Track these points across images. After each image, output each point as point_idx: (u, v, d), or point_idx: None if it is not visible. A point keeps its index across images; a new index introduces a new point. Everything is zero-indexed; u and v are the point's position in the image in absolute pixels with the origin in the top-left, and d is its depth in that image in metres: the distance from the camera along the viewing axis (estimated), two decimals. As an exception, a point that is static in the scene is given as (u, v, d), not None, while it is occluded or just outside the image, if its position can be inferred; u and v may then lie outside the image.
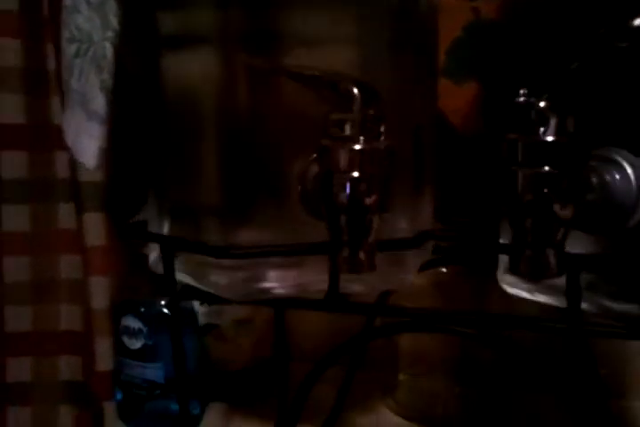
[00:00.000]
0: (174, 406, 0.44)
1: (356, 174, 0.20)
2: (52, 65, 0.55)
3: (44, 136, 0.56)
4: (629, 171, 0.20)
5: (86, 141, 0.37)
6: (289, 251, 0.24)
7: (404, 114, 0.26)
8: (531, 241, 0.20)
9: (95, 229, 0.52)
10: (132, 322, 0.43)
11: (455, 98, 0.38)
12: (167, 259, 0.26)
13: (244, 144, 0.25)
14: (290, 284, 0.26)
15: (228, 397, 0.48)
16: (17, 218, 0.57)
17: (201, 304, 0.46)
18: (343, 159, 0.20)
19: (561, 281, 0.23)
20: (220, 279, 0.26)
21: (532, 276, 0.21)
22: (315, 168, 0.23)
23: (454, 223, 0.35)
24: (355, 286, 0.26)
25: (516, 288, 0.25)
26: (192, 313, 0.45)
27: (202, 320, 0.47)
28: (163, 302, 0.43)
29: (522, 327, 0.24)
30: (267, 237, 0.25)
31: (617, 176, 0.20)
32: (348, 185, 0.20)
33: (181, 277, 0.28)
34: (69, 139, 0.40)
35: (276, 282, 0.26)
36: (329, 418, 0.42)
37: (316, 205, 0.23)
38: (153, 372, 0.43)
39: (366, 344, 0.26)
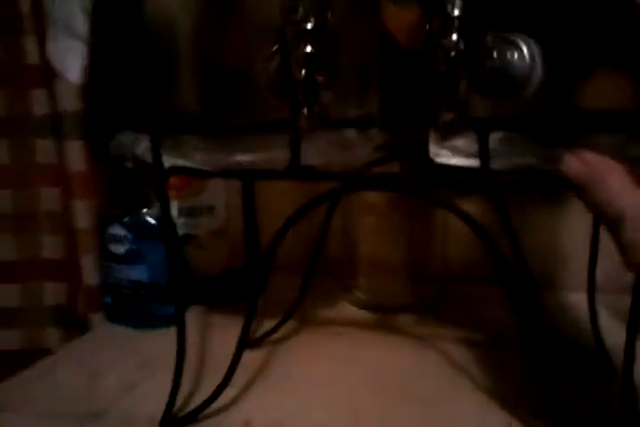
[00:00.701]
0: (152, 308, 0.50)
1: (308, 49, 0.25)
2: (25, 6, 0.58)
3: (19, 75, 0.59)
4: (525, 49, 0.26)
5: (71, 59, 0.41)
6: (258, 127, 0.29)
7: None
8: (444, 105, 0.26)
9: (76, 155, 0.57)
10: (117, 230, 0.48)
11: (400, 19, 0.43)
12: (155, 143, 0.31)
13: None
14: (259, 158, 0.31)
15: (206, 299, 0.54)
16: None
17: (186, 216, 0.52)
18: (297, 37, 0.25)
19: (473, 147, 0.29)
20: (200, 156, 0.32)
21: (447, 133, 0.26)
22: (277, 59, 0.28)
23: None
24: (314, 159, 0.31)
25: (440, 158, 0.31)
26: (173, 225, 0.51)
27: (181, 231, 0.52)
28: (145, 211, 0.49)
29: (446, 185, 0.30)
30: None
31: (515, 53, 0.26)
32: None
33: (166, 160, 0.34)
34: (56, 62, 0.44)
35: (246, 157, 0.31)
36: (289, 309, 0.49)
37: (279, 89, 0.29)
38: (137, 273, 0.48)
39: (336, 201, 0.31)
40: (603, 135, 0.27)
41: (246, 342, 0.44)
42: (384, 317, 0.51)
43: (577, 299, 0.48)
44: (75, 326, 0.62)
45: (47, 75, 0.55)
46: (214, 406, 0.37)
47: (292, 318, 0.49)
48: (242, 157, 0.32)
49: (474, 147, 0.30)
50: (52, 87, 0.55)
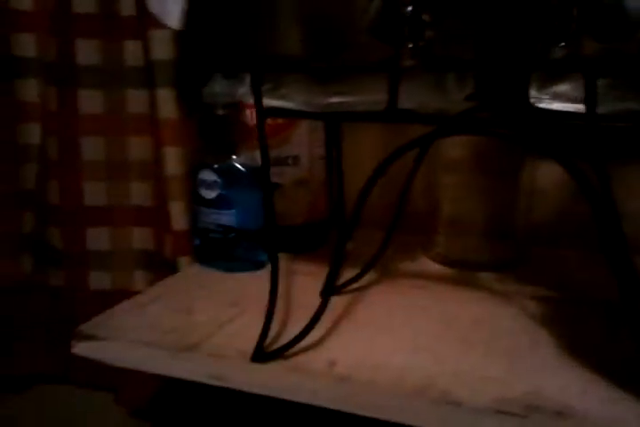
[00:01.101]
0: (239, 252, 0.52)
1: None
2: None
3: (114, 26, 0.61)
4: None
5: (171, 5, 0.43)
6: (357, 67, 0.30)
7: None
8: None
9: (167, 104, 0.58)
10: (207, 176, 0.50)
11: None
12: (256, 82, 0.32)
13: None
14: (356, 100, 0.31)
15: (289, 247, 0.55)
16: (91, 101, 0.63)
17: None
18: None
19: (573, 91, 0.29)
20: (299, 98, 0.32)
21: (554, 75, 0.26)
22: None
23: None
24: (410, 103, 0.31)
25: (541, 102, 0.30)
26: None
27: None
28: (234, 158, 0.50)
29: (546, 131, 0.29)
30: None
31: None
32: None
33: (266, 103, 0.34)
34: (155, 8, 0.45)
35: (344, 98, 0.31)
36: (371, 261, 0.50)
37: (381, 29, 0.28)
38: (227, 218, 0.50)
39: (427, 146, 0.31)
40: None
41: (333, 287, 0.46)
42: (463, 273, 0.51)
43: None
44: (163, 269, 0.65)
45: (141, 26, 0.57)
46: (301, 345, 0.38)
47: (373, 269, 0.50)
48: (339, 99, 0.32)
49: (578, 92, 0.29)
50: (145, 38, 0.57)
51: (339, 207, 0.46)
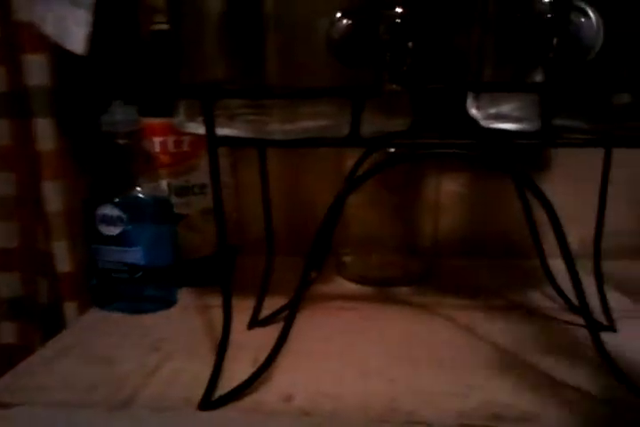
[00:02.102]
0: (148, 291, 0.48)
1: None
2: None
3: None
4: (592, 15, 0.27)
5: (74, 28, 0.38)
6: (319, 92, 0.29)
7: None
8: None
9: (46, 134, 0.53)
10: (109, 211, 0.46)
11: None
12: (207, 108, 0.30)
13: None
14: (313, 126, 0.31)
15: (199, 280, 0.52)
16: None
17: (176, 195, 0.50)
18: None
19: (522, 112, 0.31)
20: (249, 126, 0.31)
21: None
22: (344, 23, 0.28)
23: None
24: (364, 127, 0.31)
25: (490, 124, 0.32)
26: (168, 203, 0.48)
27: (172, 211, 0.50)
28: (138, 190, 0.46)
29: (504, 143, 0.31)
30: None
31: (583, 18, 0.27)
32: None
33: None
34: (51, 30, 0.40)
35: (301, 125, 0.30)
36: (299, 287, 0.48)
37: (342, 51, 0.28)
38: (133, 255, 0.46)
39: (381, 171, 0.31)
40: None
41: (258, 319, 0.44)
42: (380, 290, 0.52)
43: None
44: (35, 318, 0.58)
45: (11, 50, 0.51)
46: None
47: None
48: (294, 126, 0.31)
49: (519, 112, 0.31)
50: (16, 62, 0.51)
51: (269, 235, 0.44)
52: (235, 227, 0.59)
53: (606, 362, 0.34)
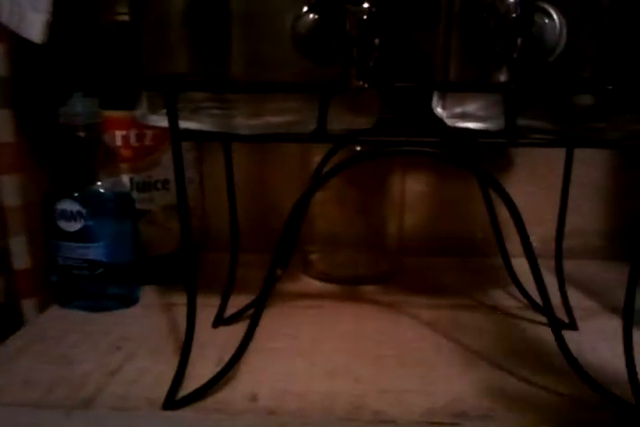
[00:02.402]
0: (110, 289, 0.47)
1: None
2: None
3: None
4: (555, 16, 0.27)
5: (31, 15, 0.37)
6: (284, 87, 0.28)
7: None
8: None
9: (3, 126, 0.51)
10: (68, 206, 0.44)
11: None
12: (170, 101, 0.29)
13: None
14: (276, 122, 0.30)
15: (162, 278, 0.51)
16: None
17: (138, 191, 0.49)
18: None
19: (486, 111, 0.31)
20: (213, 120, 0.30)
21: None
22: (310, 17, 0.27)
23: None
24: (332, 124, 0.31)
25: (456, 123, 0.32)
26: (130, 199, 0.47)
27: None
28: (99, 184, 0.45)
29: (468, 141, 0.31)
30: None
31: (546, 19, 0.27)
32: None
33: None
34: (4, 15, 0.38)
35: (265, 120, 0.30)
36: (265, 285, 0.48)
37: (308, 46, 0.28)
38: (94, 251, 0.45)
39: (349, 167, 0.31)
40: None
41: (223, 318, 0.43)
42: (347, 288, 0.52)
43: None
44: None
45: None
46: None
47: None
48: (260, 121, 0.30)
49: (484, 111, 0.31)
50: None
51: (234, 231, 0.44)
52: (199, 223, 0.58)
53: (569, 360, 0.35)
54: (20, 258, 0.53)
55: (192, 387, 0.35)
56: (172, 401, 0.34)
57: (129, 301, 0.48)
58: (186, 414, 0.34)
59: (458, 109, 0.32)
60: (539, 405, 0.34)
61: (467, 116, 0.32)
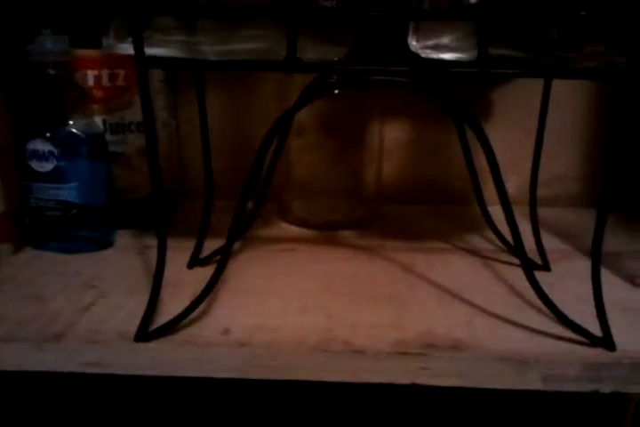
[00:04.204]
0: (83, 231, 0.46)
1: None
2: None
3: None
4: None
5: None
6: (252, 11, 0.28)
7: None
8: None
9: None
10: (39, 145, 0.43)
11: None
12: (136, 26, 0.28)
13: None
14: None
15: (136, 222, 0.51)
16: None
17: (111, 133, 0.48)
18: None
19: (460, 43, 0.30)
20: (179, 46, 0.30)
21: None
22: None
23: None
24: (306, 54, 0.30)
25: (428, 54, 0.31)
26: (103, 140, 0.46)
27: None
28: (71, 123, 0.44)
29: (442, 71, 0.31)
30: None
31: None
32: None
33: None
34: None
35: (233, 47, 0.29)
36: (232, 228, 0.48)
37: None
38: (67, 192, 0.44)
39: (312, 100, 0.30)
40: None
41: (199, 259, 0.43)
42: (323, 233, 0.52)
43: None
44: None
45: None
46: (186, 318, 0.36)
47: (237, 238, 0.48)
48: (229, 47, 0.30)
49: (460, 43, 0.31)
50: None
51: (208, 173, 0.43)
52: (176, 168, 0.57)
53: (539, 294, 0.35)
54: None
55: (165, 322, 0.35)
56: (145, 333, 0.34)
57: (103, 243, 0.47)
58: (158, 346, 0.34)
59: (432, 41, 0.32)
60: (508, 338, 0.35)
61: (441, 48, 0.32)
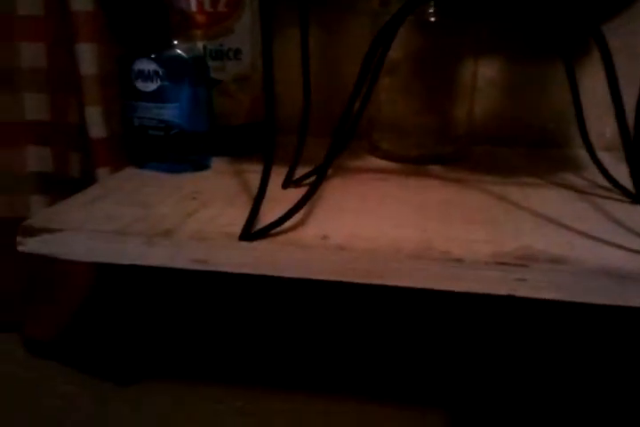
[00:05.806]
0: (183, 152, 0.48)
1: None
2: None
3: None
4: None
5: None
6: None
7: None
8: None
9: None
10: (145, 65, 0.45)
11: None
12: None
13: None
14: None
15: (227, 150, 0.52)
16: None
17: (211, 59, 0.49)
18: None
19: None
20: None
21: None
22: None
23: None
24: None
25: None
26: (205, 64, 0.48)
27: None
28: (176, 43, 0.46)
29: None
30: None
31: None
32: None
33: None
34: None
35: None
36: (324, 162, 0.49)
37: None
38: (170, 112, 0.46)
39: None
40: None
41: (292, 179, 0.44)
42: (413, 166, 0.52)
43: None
44: (65, 192, 0.59)
45: None
46: (289, 224, 0.37)
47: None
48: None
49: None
50: None
51: (306, 97, 0.44)
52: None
53: None
54: (97, 127, 0.54)
55: (267, 223, 0.36)
56: (248, 233, 0.35)
57: (201, 166, 0.49)
58: (261, 245, 0.35)
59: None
60: (609, 255, 0.34)
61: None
